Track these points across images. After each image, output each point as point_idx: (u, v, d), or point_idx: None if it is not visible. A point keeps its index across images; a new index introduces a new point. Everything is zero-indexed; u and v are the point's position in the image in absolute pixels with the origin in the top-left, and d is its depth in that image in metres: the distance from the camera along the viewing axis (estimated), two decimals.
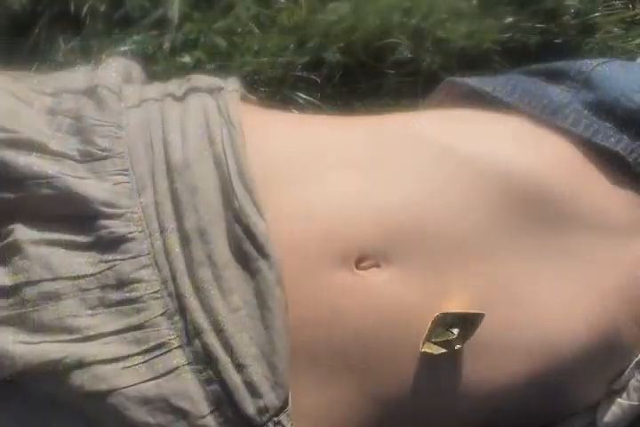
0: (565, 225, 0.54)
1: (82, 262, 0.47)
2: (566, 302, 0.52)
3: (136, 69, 0.66)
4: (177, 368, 0.46)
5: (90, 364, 0.45)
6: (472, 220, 0.53)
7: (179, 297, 0.48)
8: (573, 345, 0.51)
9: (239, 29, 0.87)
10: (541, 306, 0.52)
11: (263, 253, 0.49)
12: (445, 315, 0.49)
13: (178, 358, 0.47)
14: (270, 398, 0.47)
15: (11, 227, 0.48)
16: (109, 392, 0.45)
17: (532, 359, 0.51)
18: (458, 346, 0.49)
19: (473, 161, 0.55)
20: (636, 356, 0.54)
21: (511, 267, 0.52)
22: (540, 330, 0.51)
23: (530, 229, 0.53)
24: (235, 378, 0.46)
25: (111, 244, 0.48)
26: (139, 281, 0.47)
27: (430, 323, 0.49)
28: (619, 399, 0.54)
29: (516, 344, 0.51)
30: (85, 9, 0.85)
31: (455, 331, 0.49)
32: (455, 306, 0.50)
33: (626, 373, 0.54)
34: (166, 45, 0.85)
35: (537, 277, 0.52)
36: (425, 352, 0.49)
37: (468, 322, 0.49)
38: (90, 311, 0.46)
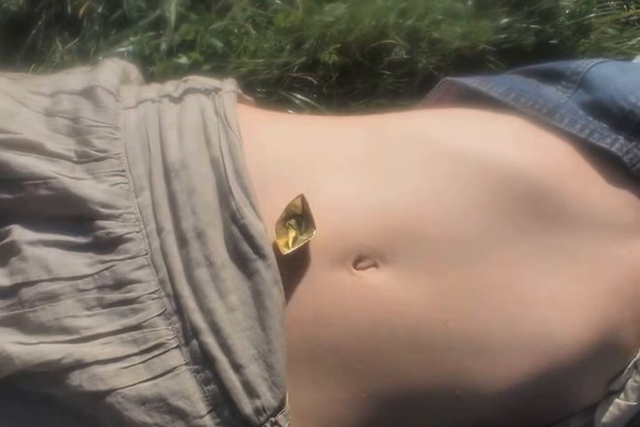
0: (563, 225, 0.54)
1: (79, 263, 0.47)
2: (565, 302, 0.52)
3: (133, 70, 0.66)
4: (175, 368, 0.46)
5: (88, 364, 0.45)
6: (470, 220, 0.53)
7: (176, 297, 0.48)
8: (572, 345, 0.51)
9: (236, 30, 0.87)
10: (540, 306, 0.52)
11: (260, 254, 0.49)
12: (303, 200, 0.51)
13: (175, 358, 0.47)
14: (267, 399, 0.47)
15: (8, 227, 0.48)
16: (108, 392, 0.45)
17: (531, 359, 0.51)
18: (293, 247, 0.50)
19: (471, 161, 0.55)
20: (635, 356, 0.54)
21: (510, 267, 0.52)
22: (540, 330, 0.51)
23: (528, 229, 0.53)
24: (232, 378, 0.46)
25: (108, 244, 0.48)
26: (136, 282, 0.47)
27: (293, 202, 0.51)
28: (617, 400, 0.54)
29: (515, 344, 0.51)
30: (82, 10, 0.85)
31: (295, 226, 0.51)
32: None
33: (624, 373, 0.54)
34: (163, 46, 0.85)
35: (536, 276, 0.53)
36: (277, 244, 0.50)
37: (308, 220, 0.51)
38: (88, 312, 0.46)
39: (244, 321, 0.48)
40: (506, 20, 0.91)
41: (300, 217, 0.51)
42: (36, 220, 0.49)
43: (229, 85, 0.61)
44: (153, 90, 0.60)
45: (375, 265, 0.51)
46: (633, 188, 0.57)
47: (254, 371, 0.47)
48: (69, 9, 0.85)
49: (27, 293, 0.46)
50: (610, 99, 0.59)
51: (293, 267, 0.50)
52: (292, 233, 0.51)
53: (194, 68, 0.85)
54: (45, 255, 0.47)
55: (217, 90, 0.59)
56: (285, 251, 0.49)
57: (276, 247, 0.50)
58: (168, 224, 0.50)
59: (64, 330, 0.46)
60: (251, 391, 0.46)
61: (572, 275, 0.53)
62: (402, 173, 0.54)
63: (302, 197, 0.51)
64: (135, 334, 0.46)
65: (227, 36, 0.87)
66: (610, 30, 0.98)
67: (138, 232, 0.49)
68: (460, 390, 0.50)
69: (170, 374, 0.46)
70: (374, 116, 0.62)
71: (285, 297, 0.48)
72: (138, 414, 0.45)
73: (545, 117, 0.59)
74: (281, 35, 0.87)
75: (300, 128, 0.60)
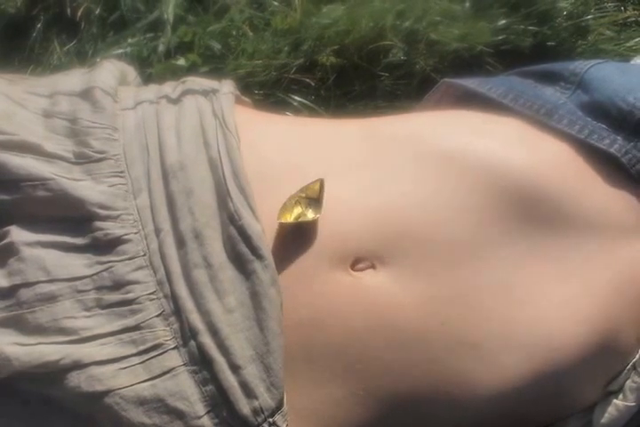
0: (562, 226, 0.54)
1: (78, 264, 0.47)
2: (565, 302, 0.52)
3: (131, 72, 0.66)
4: (173, 369, 0.46)
5: (86, 365, 0.45)
6: (468, 221, 0.53)
7: (174, 298, 0.48)
8: (572, 346, 0.51)
9: (233, 32, 0.87)
10: (540, 307, 0.52)
11: (258, 255, 0.49)
12: (321, 185, 0.51)
13: (174, 358, 0.47)
14: (265, 399, 0.47)
15: (6, 229, 0.48)
16: (106, 393, 0.45)
17: (530, 360, 0.51)
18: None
19: (469, 162, 0.55)
20: (634, 357, 0.54)
21: (508, 268, 0.52)
22: (539, 330, 0.51)
23: (527, 230, 0.53)
24: (230, 379, 0.46)
25: (107, 245, 0.48)
26: (134, 282, 0.47)
27: (314, 184, 0.51)
28: (615, 400, 0.54)
29: (512, 345, 0.51)
30: (80, 12, 0.85)
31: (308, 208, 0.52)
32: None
33: (622, 374, 0.54)
34: (161, 48, 0.85)
35: (535, 277, 0.52)
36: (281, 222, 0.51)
37: (317, 205, 0.51)
38: (86, 313, 0.46)
39: (242, 322, 0.48)
40: (503, 22, 0.91)
41: (313, 200, 0.51)
42: (33, 221, 0.49)
43: (227, 87, 0.61)
44: (151, 91, 0.60)
45: (373, 266, 0.51)
46: (632, 189, 0.57)
47: (252, 372, 0.47)
48: (68, 11, 0.86)
49: (25, 294, 0.46)
50: (608, 99, 0.59)
51: (292, 268, 0.50)
52: (298, 210, 0.51)
53: (192, 69, 0.85)
54: (44, 256, 0.47)
55: (215, 91, 0.59)
56: (280, 220, 0.50)
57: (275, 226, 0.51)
58: (166, 225, 0.50)
59: (62, 331, 0.46)
60: (249, 392, 0.46)
61: (571, 276, 0.53)
62: (400, 176, 0.54)
63: (321, 182, 0.51)
64: (133, 334, 0.46)
65: (224, 38, 0.87)
66: (607, 32, 0.98)
67: (136, 233, 0.49)
68: (459, 390, 0.50)
69: (168, 375, 0.46)
70: (372, 118, 0.62)
71: (283, 298, 0.48)
72: (136, 414, 0.45)
73: (544, 118, 0.59)
74: (279, 36, 0.87)
75: (298, 130, 0.60)
